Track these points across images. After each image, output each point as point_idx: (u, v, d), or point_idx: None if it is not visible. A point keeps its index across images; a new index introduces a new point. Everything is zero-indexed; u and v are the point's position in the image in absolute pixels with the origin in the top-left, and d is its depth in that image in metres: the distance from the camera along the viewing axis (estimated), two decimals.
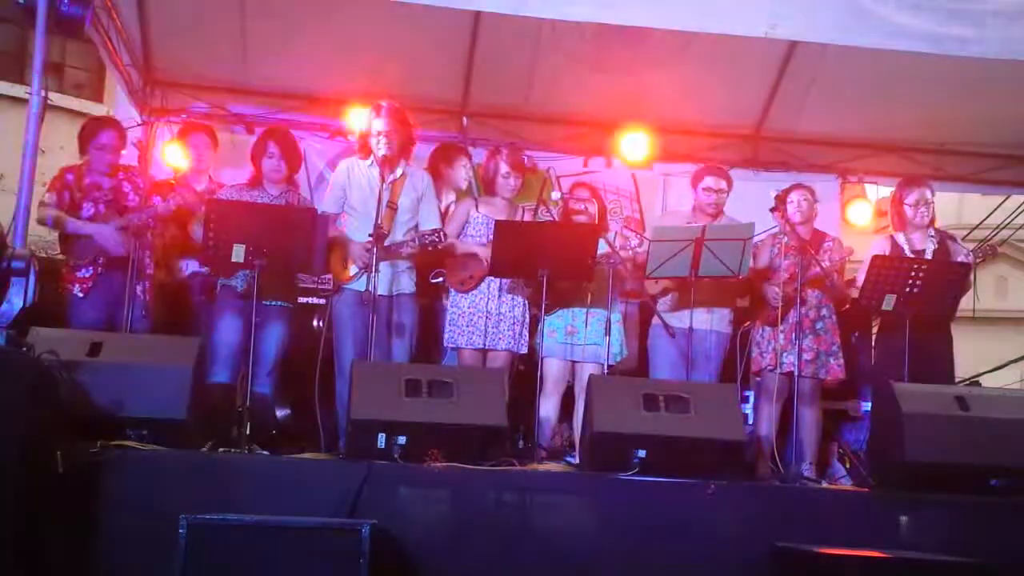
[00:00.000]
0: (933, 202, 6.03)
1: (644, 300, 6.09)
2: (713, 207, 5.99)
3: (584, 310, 5.68)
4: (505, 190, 5.77)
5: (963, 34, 5.20)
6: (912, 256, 5.88)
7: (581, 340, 5.68)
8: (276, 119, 6.85)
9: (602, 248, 5.64)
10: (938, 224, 6.13)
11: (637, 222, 7.42)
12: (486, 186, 5.90)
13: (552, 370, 5.61)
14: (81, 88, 11.58)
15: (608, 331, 5.61)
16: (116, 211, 5.65)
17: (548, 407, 5.63)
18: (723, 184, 6.03)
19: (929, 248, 5.96)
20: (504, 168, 5.75)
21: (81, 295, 5.55)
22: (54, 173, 5.80)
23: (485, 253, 5.56)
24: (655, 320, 5.93)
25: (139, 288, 5.54)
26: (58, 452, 4.02)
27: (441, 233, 5.45)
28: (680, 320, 5.81)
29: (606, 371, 5.62)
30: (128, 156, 5.92)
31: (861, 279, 5.73)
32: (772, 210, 5.92)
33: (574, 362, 5.72)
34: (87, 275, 5.58)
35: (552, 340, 5.60)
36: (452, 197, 6.25)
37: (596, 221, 5.82)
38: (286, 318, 5.57)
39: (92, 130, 5.82)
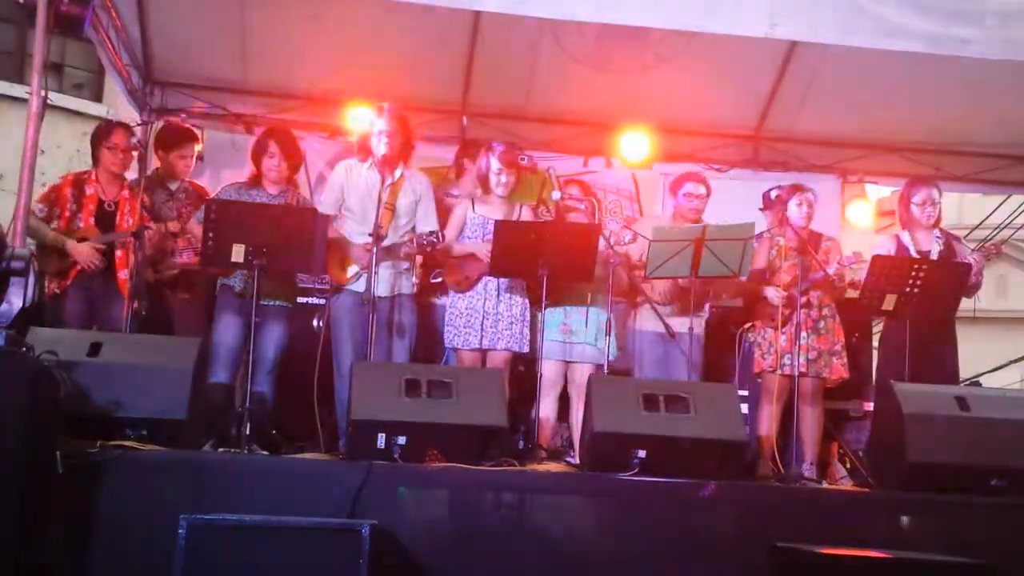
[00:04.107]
0: (940, 202, 6.04)
1: (642, 303, 6.07)
2: (694, 212, 6.00)
3: (583, 308, 5.69)
4: (499, 187, 5.76)
5: (963, 34, 5.20)
6: (915, 256, 5.88)
7: (580, 339, 5.68)
8: (276, 119, 6.84)
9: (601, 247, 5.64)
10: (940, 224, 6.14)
11: (637, 222, 7.41)
12: (481, 184, 5.89)
13: (547, 371, 5.60)
14: (81, 88, 11.57)
15: (610, 331, 5.62)
16: (106, 229, 5.64)
17: (545, 407, 5.62)
18: (702, 190, 6.03)
19: (934, 249, 5.97)
20: (496, 165, 5.74)
21: (59, 291, 5.54)
22: (53, 173, 5.79)
23: (483, 250, 5.56)
24: (639, 325, 5.93)
25: (123, 299, 5.53)
26: (58, 452, 4.01)
27: (439, 235, 5.45)
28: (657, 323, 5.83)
29: (605, 371, 5.62)
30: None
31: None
32: (763, 210, 5.92)
33: (568, 362, 5.71)
34: (63, 277, 5.57)
35: (549, 340, 5.59)
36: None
37: (591, 220, 5.82)
38: (285, 318, 5.57)
39: (105, 131, 5.81)
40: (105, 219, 5.68)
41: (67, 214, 5.64)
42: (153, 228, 5.67)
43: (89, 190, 5.69)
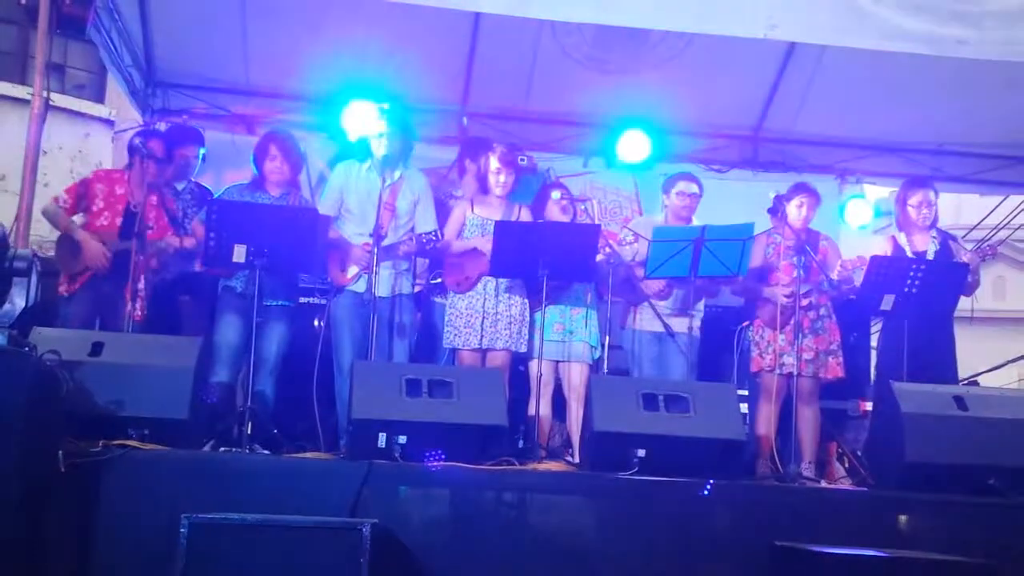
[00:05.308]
0: (936, 203, 6.05)
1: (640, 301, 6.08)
2: (687, 211, 6.02)
3: (581, 308, 5.71)
4: (497, 187, 5.77)
5: (962, 35, 5.21)
6: (912, 257, 5.89)
7: (577, 339, 5.69)
8: (276, 119, 6.86)
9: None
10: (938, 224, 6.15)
11: (632, 222, 7.41)
12: (480, 184, 5.91)
13: (542, 370, 5.61)
14: (83, 89, 11.58)
15: (607, 331, 5.63)
16: (129, 231, 5.61)
17: (543, 406, 5.63)
18: (695, 189, 6.05)
19: (931, 249, 5.98)
20: (495, 165, 5.76)
21: (67, 295, 5.53)
22: (55, 174, 5.78)
23: (485, 245, 5.56)
24: (637, 325, 5.95)
25: (129, 303, 5.51)
26: (59, 452, 4.03)
27: (437, 234, 5.47)
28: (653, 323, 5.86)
29: (604, 371, 5.64)
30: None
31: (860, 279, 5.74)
32: (771, 211, 5.93)
33: (558, 362, 5.72)
34: (77, 278, 5.54)
35: (546, 340, 5.60)
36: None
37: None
38: (286, 318, 5.58)
39: (137, 141, 5.78)
40: (130, 221, 5.60)
41: (95, 209, 5.61)
42: (167, 243, 5.61)
43: (120, 190, 5.65)
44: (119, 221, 5.59)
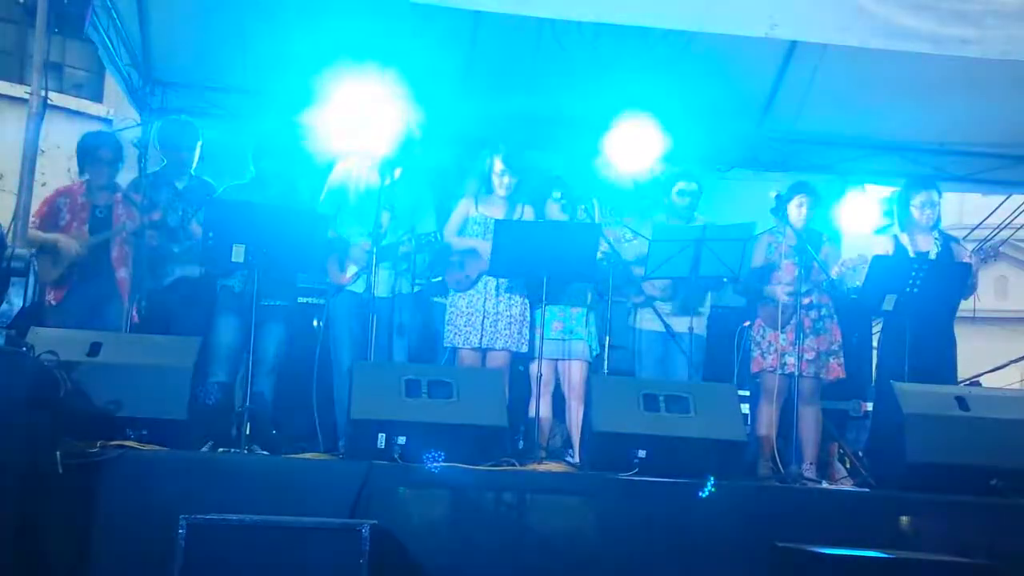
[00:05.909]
0: (939, 204, 6.04)
1: (641, 301, 6.07)
2: (688, 208, 6.00)
3: (581, 307, 5.69)
4: (501, 188, 5.77)
5: (963, 34, 5.19)
6: (914, 257, 5.88)
7: (576, 338, 5.68)
8: (276, 119, 6.83)
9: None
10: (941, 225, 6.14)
11: (632, 222, 7.40)
12: (484, 184, 5.90)
13: (543, 370, 5.60)
14: (81, 88, 11.58)
15: (611, 331, 5.62)
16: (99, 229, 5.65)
17: (543, 406, 5.63)
18: (695, 186, 6.06)
19: (933, 250, 5.97)
20: (499, 166, 5.75)
21: (54, 303, 5.53)
22: (53, 173, 5.79)
23: (484, 247, 5.56)
24: (640, 324, 5.93)
25: (122, 304, 5.52)
26: (58, 452, 4.02)
27: (436, 235, 5.47)
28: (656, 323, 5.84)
29: (605, 371, 5.63)
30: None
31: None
32: (774, 211, 5.93)
33: (558, 360, 5.70)
34: (61, 285, 5.56)
35: (546, 339, 5.59)
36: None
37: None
38: (285, 318, 5.57)
39: (90, 145, 5.81)
40: (98, 225, 5.67)
41: (63, 224, 5.65)
42: (137, 219, 5.64)
43: (81, 198, 5.71)
44: (86, 228, 5.65)
